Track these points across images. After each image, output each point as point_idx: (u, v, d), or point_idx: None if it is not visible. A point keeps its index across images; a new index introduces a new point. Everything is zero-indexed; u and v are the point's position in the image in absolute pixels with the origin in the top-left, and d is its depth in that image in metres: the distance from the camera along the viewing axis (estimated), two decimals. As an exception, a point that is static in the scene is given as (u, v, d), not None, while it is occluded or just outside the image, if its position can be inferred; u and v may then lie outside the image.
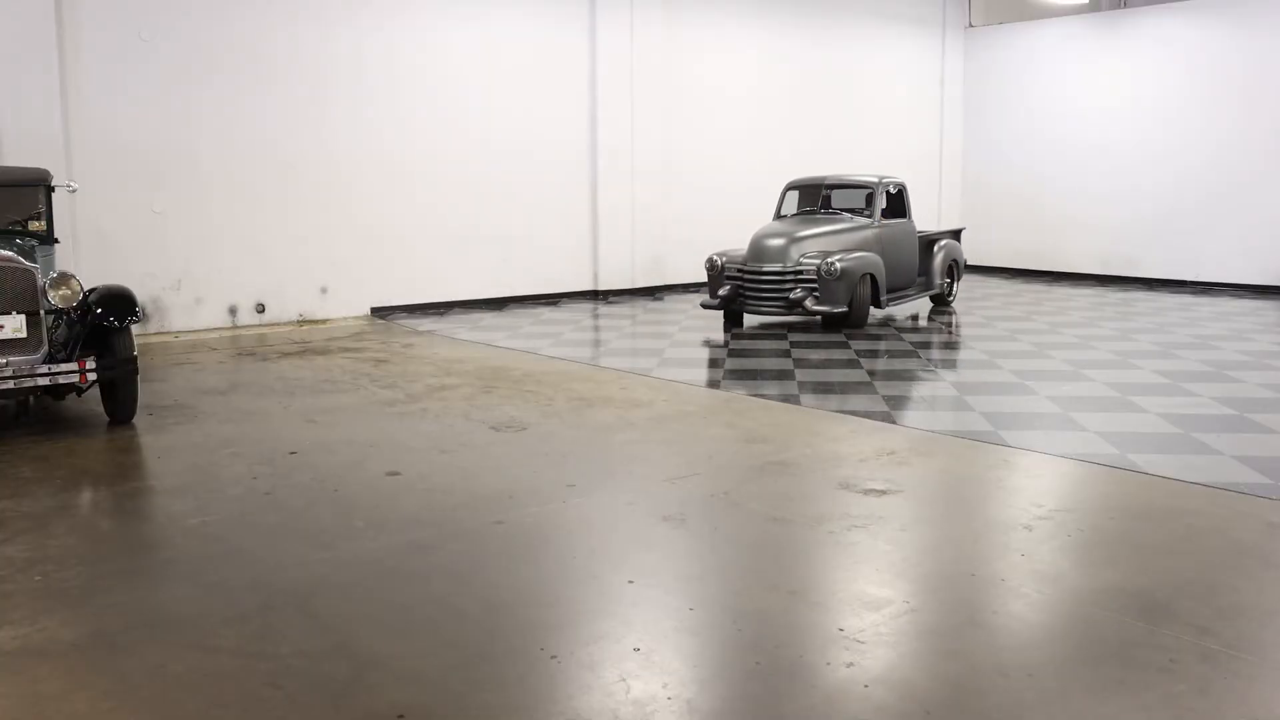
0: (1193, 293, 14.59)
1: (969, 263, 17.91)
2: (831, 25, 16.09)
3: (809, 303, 10.67)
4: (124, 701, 3.27)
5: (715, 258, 11.50)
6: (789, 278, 10.86)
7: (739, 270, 11.15)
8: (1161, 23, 15.48)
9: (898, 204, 12.01)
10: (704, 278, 14.70)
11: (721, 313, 11.56)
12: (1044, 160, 16.88)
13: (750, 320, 11.65)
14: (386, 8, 11.84)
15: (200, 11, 10.62)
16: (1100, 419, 6.99)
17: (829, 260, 10.67)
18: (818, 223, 11.60)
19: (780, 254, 10.96)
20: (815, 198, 12.20)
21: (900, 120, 17.15)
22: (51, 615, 3.91)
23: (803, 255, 10.91)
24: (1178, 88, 15.30)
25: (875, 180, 11.98)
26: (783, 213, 12.16)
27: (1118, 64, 15.96)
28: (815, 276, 10.71)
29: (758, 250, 11.11)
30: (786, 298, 10.83)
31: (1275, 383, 8.21)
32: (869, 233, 11.52)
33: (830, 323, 10.97)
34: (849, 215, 11.78)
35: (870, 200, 11.81)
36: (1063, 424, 6.87)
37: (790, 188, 12.39)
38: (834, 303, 10.67)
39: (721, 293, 11.24)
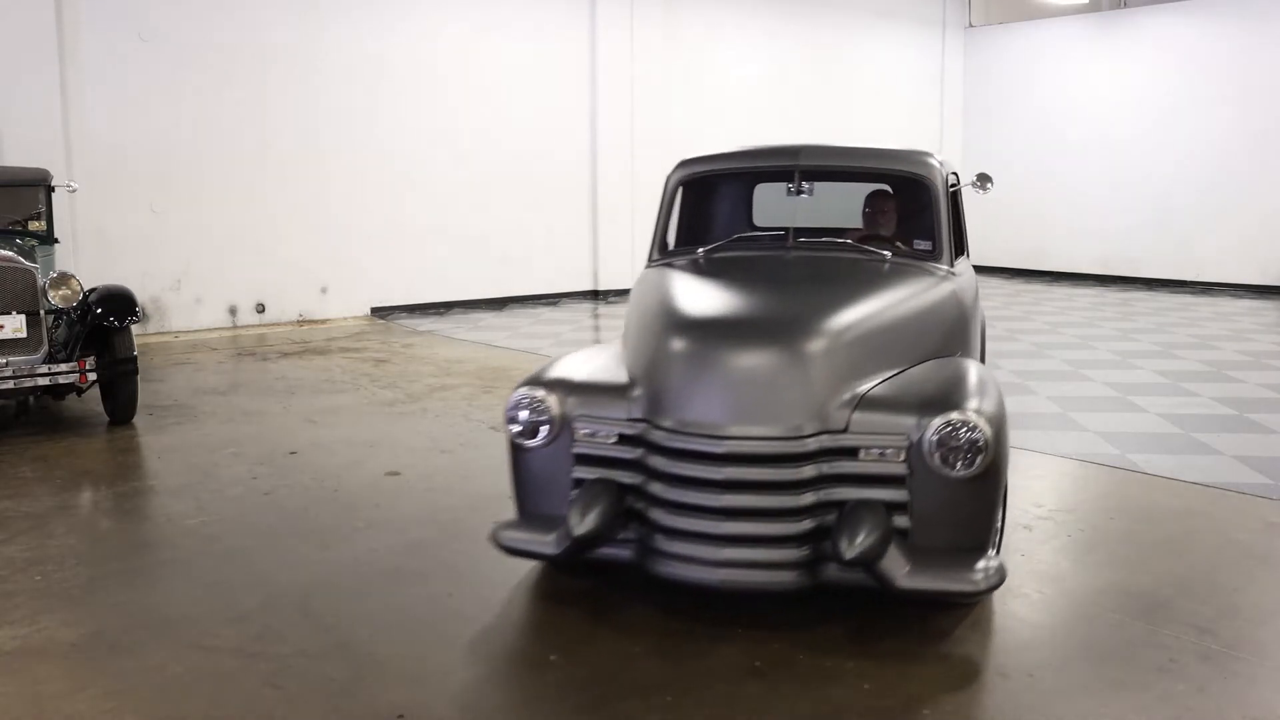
0: (1193, 293, 14.59)
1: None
2: (831, 24, 16.09)
3: (900, 575, 3.42)
4: (124, 701, 3.27)
5: (542, 400, 3.79)
6: (815, 471, 3.53)
7: (639, 440, 3.67)
8: (1161, 23, 15.48)
9: (928, 219, 4.83)
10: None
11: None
12: (1044, 160, 16.88)
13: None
14: (386, 7, 11.84)
15: (200, 12, 10.61)
16: (1100, 419, 6.99)
17: (964, 418, 3.45)
18: (831, 277, 4.49)
19: (799, 400, 3.54)
20: (781, 202, 5.40)
21: (900, 120, 17.14)
22: (51, 615, 3.90)
23: (858, 395, 3.62)
24: (1177, 87, 15.30)
25: (929, 159, 5.01)
26: (682, 240, 5.48)
27: (1118, 64, 15.97)
28: (902, 465, 3.51)
29: (717, 379, 3.59)
30: (829, 548, 3.46)
31: (1275, 383, 8.21)
32: (942, 297, 4.48)
33: (929, 603, 3.84)
34: (875, 252, 4.72)
35: (932, 208, 4.82)
36: (1063, 424, 6.87)
37: (697, 176, 5.73)
38: (973, 535, 3.59)
39: (580, 525, 3.50)
